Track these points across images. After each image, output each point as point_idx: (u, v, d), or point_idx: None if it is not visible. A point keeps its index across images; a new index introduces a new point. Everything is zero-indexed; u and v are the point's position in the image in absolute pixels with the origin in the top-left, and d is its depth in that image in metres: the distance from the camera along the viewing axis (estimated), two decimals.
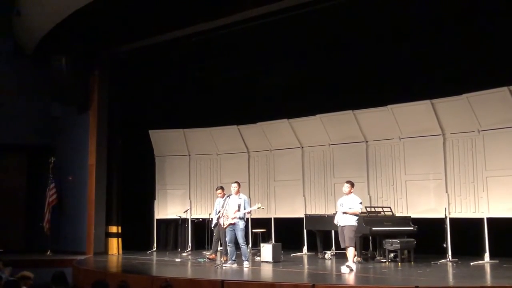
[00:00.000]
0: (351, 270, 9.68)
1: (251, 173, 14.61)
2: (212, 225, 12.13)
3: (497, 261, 10.75)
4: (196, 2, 11.52)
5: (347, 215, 10.06)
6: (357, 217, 10.13)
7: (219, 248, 12.32)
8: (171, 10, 12.00)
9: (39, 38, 13.21)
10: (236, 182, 11.12)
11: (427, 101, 11.66)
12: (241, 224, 10.75)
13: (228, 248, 10.93)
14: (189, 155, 15.11)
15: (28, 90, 14.59)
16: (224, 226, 10.91)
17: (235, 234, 10.74)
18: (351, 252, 9.89)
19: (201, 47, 13.92)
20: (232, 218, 10.74)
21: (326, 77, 13.40)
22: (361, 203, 10.29)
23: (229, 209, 10.86)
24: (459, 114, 11.44)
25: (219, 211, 11.61)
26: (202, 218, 14.28)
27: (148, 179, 15.01)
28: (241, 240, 10.71)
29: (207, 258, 12.02)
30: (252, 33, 12.79)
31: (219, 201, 12.06)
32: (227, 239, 10.86)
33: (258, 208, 11.02)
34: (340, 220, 10.13)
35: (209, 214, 13.38)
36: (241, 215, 10.74)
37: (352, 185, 10.33)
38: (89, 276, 10.72)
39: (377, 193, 12.60)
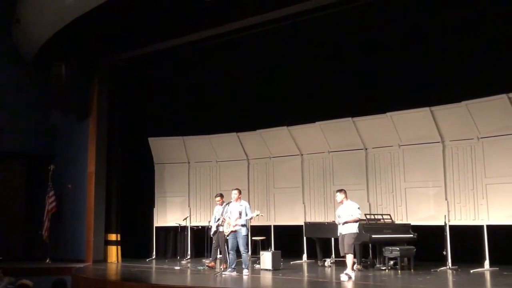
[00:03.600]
0: (350, 277, 9.65)
1: (251, 181, 14.60)
2: (211, 233, 12.13)
3: (497, 268, 10.75)
4: (195, 10, 11.55)
5: (348, 223, 9.98)
6: (357, 224, 10.08)
7: (219, 255, 12.29)
8: (171, 18, 12.03)
9: (39, 46, 13.22)
10: (237, 189, 11.09)
11: (426, 109, 11.68)
12: (243, 231, 10.71)
13: (228, 255, 10.90)
14: (189, 163, 15.10)
15: (28, 98, 14.58)
16: (227, 234, 10.87)
17: (237, 242, 10.72)
18: (349, 259, 9.85)
19: (201, 55, 13.96)
20: (234, 226, 10.72)
21: (326, 84, 13.44)
22: (359, 208, 10.25)
23: (231, 216, 10.84)
24: (458, 121, 11.46)
25: (218, 219, 11.61)
26: (201, 226, 14.26)
27: (148, 187, 15.00)
28: (242, 248, 10.68)
29: (207, 266, 11.99)
30: (252, 41, 12.83)
31: (218, 208, 12.06)
32: (229, 246, 10.81)
33: (257, 215, 10.99)
34: (342, 229, 10.06)
35: (209, 222, 13.37)
36: (243, 222, 10.71)
37: (344, 192, 10.26)
38: (88, 284, 10.70)
39: (377, 200, 12.59)
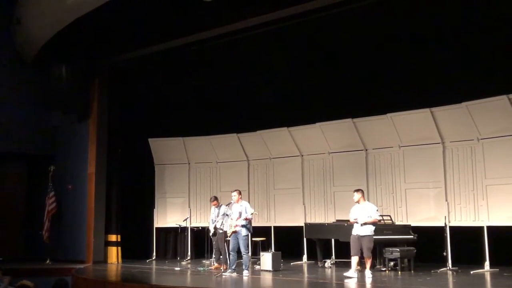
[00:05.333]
0: (369, 277, 9.79)
1: (251, 182, 14.59)
2: (211, 234, 12.16)
3: (497, 269, 10.75)
4: (195, 11, 11.56)
5: (366, 225, 10.00)
6: (374, 227, 10.13)
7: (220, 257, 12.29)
8: (171, 19, 12.04)
9: (39, 47, 13.23)
10: (236, 190, 11.11)
11: (427, 110, 11.68)
12: (244, 232, 10.71)
13: (229, 256, 10.90)
14: (189, 164, 15.10)
15: (28, 99, 14.61)
16: (229, 234, 10.88)
17: (238, 242, 10.72)
18: (369, 260, 10.03)
19: (201, 56, 13.95)
20: (235, 226, 10.72)
21: (326, 85, 13.42)
22: (377, 210, 10.36)
23: (233, 217, 10.87)
24: (458, 122, 11.46)
25: (215, 220, 11.80)
26: (201, 227, 14.27)
27: (148, 188, 15.00)
28: (243, 249, 10.67)
29: (211, 268, 11.93)
30: (252, 42, 12.83)
31: (213, 210, 12.18)
32: (230, 247, 10.82)
33: (252, 213, 10.98)
34: (358, 230, 10.05)
35: (208, 223, 13.38)
36: (243, 223, 10.71)
37: (362, 192, 10.35)
38: (88, 285, 10.70)
39: (377, 201, 12.55)
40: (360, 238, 10.00)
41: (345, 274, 9.95)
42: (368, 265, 10.02)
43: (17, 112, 14.45)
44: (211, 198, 12.62)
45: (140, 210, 14.82)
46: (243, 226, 10.70)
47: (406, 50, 12.12)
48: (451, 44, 11.65)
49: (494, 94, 10.79)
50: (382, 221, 11.21)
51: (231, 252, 10.81)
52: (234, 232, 10.73)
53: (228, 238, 10.90)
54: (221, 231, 11.74)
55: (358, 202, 10.23)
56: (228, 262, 10.96)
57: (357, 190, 10.37)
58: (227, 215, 11.71)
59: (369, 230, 10.02)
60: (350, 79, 13.05)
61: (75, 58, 13.59)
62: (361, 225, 9.99)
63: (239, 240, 10.67)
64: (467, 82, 11.48)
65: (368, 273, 9.90)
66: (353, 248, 10.09)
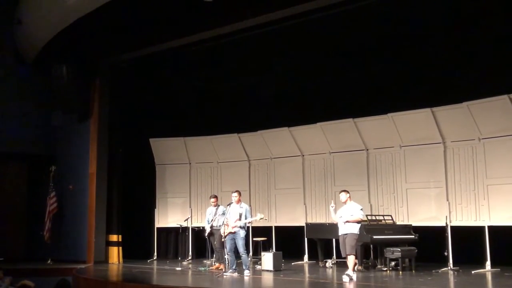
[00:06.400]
0: (351, 279, 9.63)
1: (252, 182, 14.59)
2: (206, 234, 12.16)
3: (499, 269, 10.74)
4: (195, 11, 11.56)
5: (349, 223, 9.99)
6: (359, 225, 10.08)
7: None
8: (172, 19, 12.04)
9: (40, 47, 13.24)
10: (237, 191, 11.08)
11: (428, 109, 11.68)
12: (242, 233, 10.68)
13: (228, 257, 10.89)
14: (190, 164, 15.11)
15: (29, 99, 14.62)
16: (224, 235, 10.87)
17: (235, 243, 10.71)
18: (351, 260, 9.84)
19: (202, 56, 13.96)
20: (233, 227, 10.70)
21: (326, 85, 13.42)
22: (362, 209, 10.27)
23: (230, 218, 10.83)
24: (459, 122, 11.46)
25: (212, 220, 11.85)
26: (202, 227, 14.25)
27: (149, 188, 15.00)
28: (241, 249, 10.66)
29: (211, 268, 11.94)
30: (253, 42, 12.84)
31: (210, 210, 12.16)
32: (227, 248, 10.83)
33: (261, 219, 10.93)
34: (342, 229, 10.07)
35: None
36: (242, 224, 10.70)
37: (349, 193, 10.29)
38: (89, 285, 10.70)
39: (378, 201, 12.58)
40: (343, 236, 10.01)
41: (343, 276, 9.79)
42: (350, 265, 9.79)
43: (18, 112, 14.47)
44: (211, 196, 12.57)
45: (141, 210, 14.83)
46: (241, 227, 10.69)
47: (407, 49, 12.11)
48: (452, 43, 11.64)
49: (495, 94, 10.78)
50: (369, 220, 11.23)
51: (228, 253, 10.81)
52: (232, 233, 10.71)
53: (224, 239, 10.89)
54: (217, 230, 11.78)
55: (345, 202, 10.23)
56: (227, 262, 10.95)
57: (344, 191, 10.36)
58: (223, 214, 11.77)
59: (352, 228, 9.94)
60: (351, 78, 13.04)
61: (75, 58, 13.59)
62: (344, 223, 10.00)
63: (237, 240, 10.63)
64: (468, 82, 11.47)
65: (350, 273, 9.64)
66: (342, 248, 10.09)
